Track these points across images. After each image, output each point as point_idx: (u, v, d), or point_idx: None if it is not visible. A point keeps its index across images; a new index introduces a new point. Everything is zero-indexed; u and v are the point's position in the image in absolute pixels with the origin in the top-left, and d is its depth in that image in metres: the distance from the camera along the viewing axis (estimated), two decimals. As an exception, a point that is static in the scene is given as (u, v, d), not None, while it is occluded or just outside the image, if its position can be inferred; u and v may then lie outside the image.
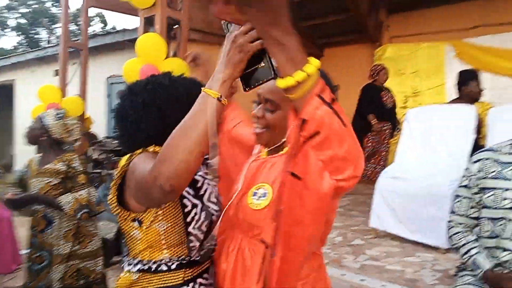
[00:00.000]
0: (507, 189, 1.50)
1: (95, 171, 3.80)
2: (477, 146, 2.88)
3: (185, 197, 1.02)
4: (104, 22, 20.97)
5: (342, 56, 7.71)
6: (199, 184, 1.07)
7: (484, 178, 1.57)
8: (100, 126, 5.76)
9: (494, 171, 1.55)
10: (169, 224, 0.99)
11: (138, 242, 1.01)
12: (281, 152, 1.08)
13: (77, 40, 4.32)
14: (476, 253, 1.51)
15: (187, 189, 1.04)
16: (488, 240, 1.53)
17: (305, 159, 0.75)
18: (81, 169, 2.26)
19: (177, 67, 2.92)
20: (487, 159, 1.59)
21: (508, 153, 1.56)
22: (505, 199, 1.49)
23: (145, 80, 1.07)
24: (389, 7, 7.07)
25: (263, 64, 0.78)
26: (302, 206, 0.80)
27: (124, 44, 5.95)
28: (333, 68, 7.83)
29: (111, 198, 0.99)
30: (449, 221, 1.67)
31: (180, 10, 3.16)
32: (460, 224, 1.63)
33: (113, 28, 19.41)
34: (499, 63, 5.79)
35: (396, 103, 5.20)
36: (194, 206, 1.03)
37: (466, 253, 1.55)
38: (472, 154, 2.71)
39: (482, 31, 6.06)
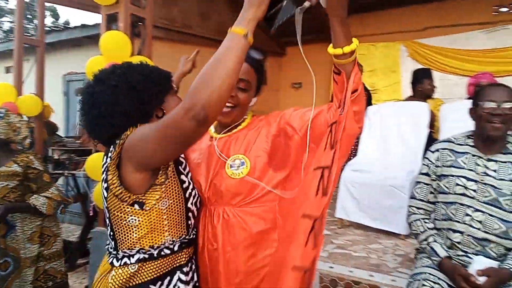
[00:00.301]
0: (459, 176, 1.65)
1: (56, 171, 3.67)
2: (431, 139, 3.09)
3: (181, 173, 1.06)
4: (55, 16, 19.99)
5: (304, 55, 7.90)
6: (183, 165, 1.11)
7: (441, 166, 1.71)
8: (58, 124, 5.53)
9: (449, 160, 1.70)
10: (171, 201, 1.00)
11: (135, 229, 0.98)
12: (240, 128, 1.23)
13: (30, 35, 4.12)
14: (433, 241, 1.64)
15: (180, 167, 1.07)
16: (442, 222, 1.68)
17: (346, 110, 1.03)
18: (43, 168, 2.21)
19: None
20: (444, 149, 1.74)
21: (462, 144, 1.71)
22: (457, 185, 1.64)
23: (110, 67, 1.06)
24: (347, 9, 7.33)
25: (285, 3, 0.95)
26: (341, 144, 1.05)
27: (81, 40, 5.74)
28: (295, 66, 8.01)
29: (111, 179, 0.96)
30: (409, 206, 1.80)
31: (143, 8, 3.13)
32: (419, 209, 1.77)
33: (66, 23, 18.56)
34: (448, 62, 6.19)
35: (371, 98, 4.98)
36: (189, 183, 1.08)
37: (424, 240, 1.68)
38: (427, 147, 2.93)
39: (432, 33, 6.44)
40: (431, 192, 1.75)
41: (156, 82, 1.04)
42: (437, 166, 1.73)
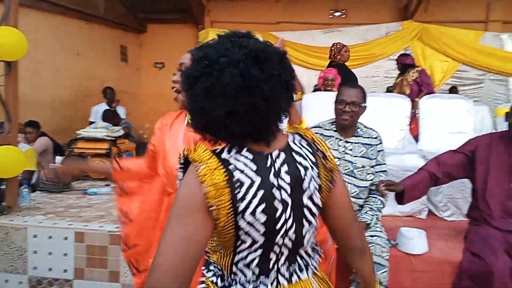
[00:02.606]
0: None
1: None
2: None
3: None
4: None
5: (167, 34, 7.84)
6: None
7: (314, 147, 2.19)
8: None
9: (323, 142, 2.18)
10: None
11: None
12: None
13: None
14: None
15: None
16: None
17: None
18: None
19: (12, 37, 2.56)
20: (316, 133, 2.20)
21: (328, 129, 2.22)
22: (332, 163, 2.15)
23: (263, 43, 0.85)
24: (209, -9, 7.55)
25: None
26: None
27: None
28: (157, 45, 7.89)
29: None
30: None
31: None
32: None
33: None
34: (297, 55, 7.05)
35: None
36: None
37: None
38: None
39: (285, 27, 7.30)
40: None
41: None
42: None
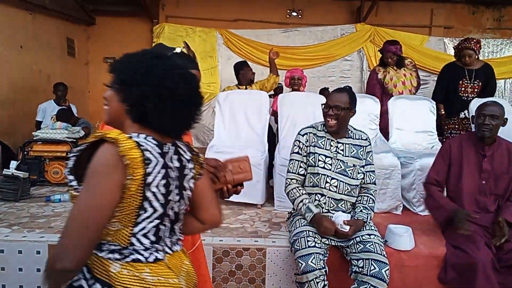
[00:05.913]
0: (321, 154, 2.18)
1: None
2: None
3: None
4: None
5: (118, 28, 7.42)
6: None
7: (309, 146, 2.21)
8: None
9: (314, 142, 2.21)
10: None
11: None
12: None
13: None
14: (308, 202, 2.14)
15: None
16: (312, 189, 2.20)
17: None
18: None
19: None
20: (310, 133, 2.23)
21: (320, 130, 2.25)
22: (319, 160, 2.18)
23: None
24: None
25: None
26: None
27: None
28: (107, 38, 7.45)
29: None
30: (286, 178, 2.26)
31: None
32: (293, 179, 2.23)
33: None
34: (254, 53, 7.04)
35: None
36: None
37: (301, 201, 2.15)
38: (269, 130, 3.48)
39: (242, 25, 7.25)
40: (301, 167, 2.23)
41: None
42: (306, 146, 2.22)
